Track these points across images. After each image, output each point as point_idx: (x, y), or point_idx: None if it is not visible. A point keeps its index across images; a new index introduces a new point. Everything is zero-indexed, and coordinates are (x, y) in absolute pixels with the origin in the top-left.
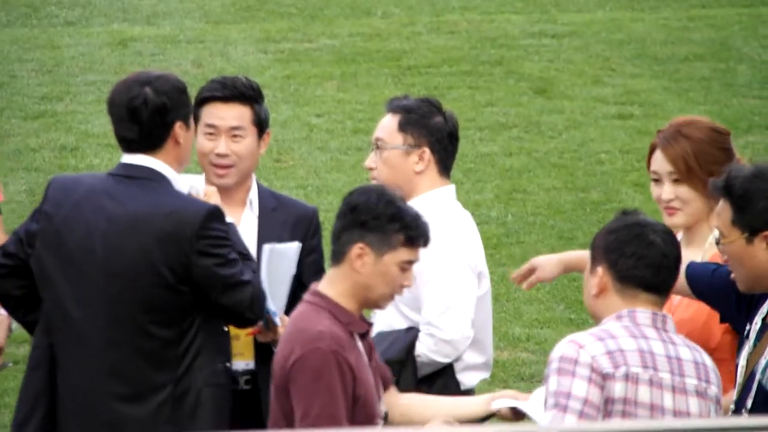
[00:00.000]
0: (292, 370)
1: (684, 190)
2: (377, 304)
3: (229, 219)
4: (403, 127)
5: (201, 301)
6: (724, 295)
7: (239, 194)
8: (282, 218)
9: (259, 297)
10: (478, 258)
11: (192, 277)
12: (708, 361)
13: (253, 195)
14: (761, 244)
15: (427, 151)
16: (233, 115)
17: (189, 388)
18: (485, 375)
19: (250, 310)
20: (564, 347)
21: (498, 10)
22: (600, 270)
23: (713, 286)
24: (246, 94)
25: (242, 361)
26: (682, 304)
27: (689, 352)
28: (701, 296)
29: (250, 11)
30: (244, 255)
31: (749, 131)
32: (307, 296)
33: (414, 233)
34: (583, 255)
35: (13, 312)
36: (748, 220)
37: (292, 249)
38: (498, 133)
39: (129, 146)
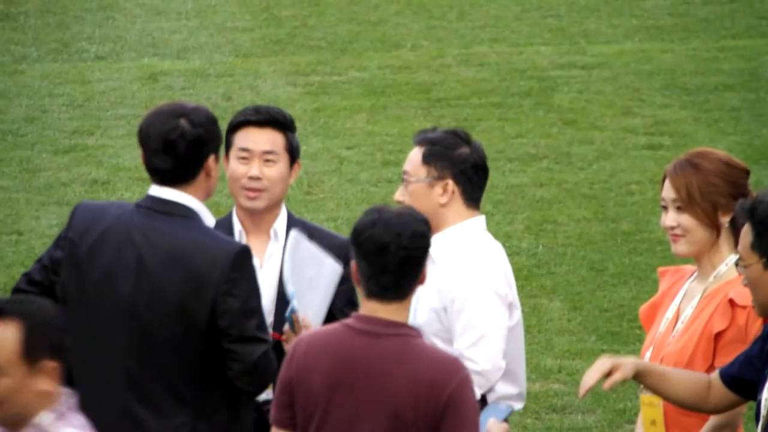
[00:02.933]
0: (452, 397)
1: (685, 218)
2: None
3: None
4: (427, 160)
5: (215, 342)
6: (754, 362)
7: (268, 222)
8: None
9: (268, 364)
10: (509, 288)
11: (215, 318)
12: None
13: (279, 225)
14: None
15: (450, 182)
16: (266, 139)
17: (211, 425)
18: (519, 406)
19: (255, 369)
20: None
21: (527, 41)
22: None
23: (742, 366)
24: (279, 119)
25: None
26: (676, 336)
27: None
28: (739, 389)
29: (279, 45)
30: None
31: None
32: (404, 329)
33: None
34: (653, 367)
35: None
36: (767, 245)
37: (326, 260)
38: (528, 165)
39: (162, 178)
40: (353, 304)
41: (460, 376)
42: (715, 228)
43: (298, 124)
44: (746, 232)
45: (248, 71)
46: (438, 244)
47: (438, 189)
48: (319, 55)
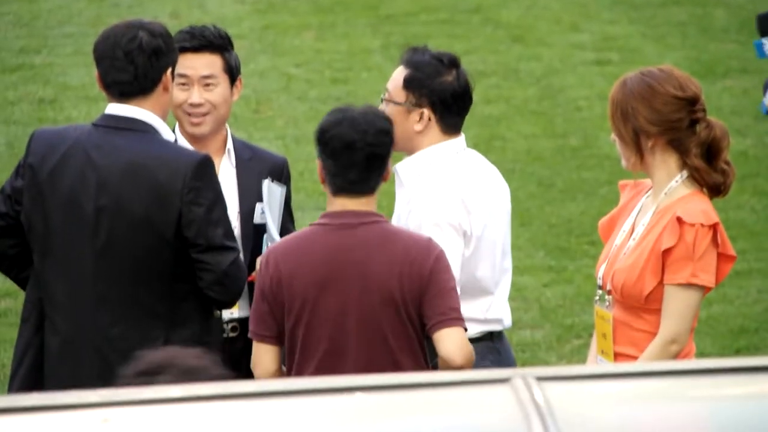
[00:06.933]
0: (433, 271)
1: (614, 135)
2: None
3: None
4: (407, 84)
5: (184, 253)
6: None
7: (216, 143)
8: (258, 168)
9: (239, 272)
10: (468, 215)
11: (181, 229)
12: None
13: (230, 145)
14: None
15: (426, 111)
16: (204, 64)
17: (183, 336)
18: (484, 328)
19: (226, 277)
20: None
21: None
22: None
23: None
24: (215, 42)
25: (227, 311)
26: (627, 252)
27: None
28: None
29: None
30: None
31: (726, 75)
32: (375, 217)
33: None
34: None
35: (7, 271)
36: None
37: (280, 190)
38: (476, 81)
39: (121, 91)
40: (292, 220)
41: (437, 251)
42: (639, 151)
43: (245, 43)
44: None
45: None
46: (408, 167)
47: (414, 116)
48: None
